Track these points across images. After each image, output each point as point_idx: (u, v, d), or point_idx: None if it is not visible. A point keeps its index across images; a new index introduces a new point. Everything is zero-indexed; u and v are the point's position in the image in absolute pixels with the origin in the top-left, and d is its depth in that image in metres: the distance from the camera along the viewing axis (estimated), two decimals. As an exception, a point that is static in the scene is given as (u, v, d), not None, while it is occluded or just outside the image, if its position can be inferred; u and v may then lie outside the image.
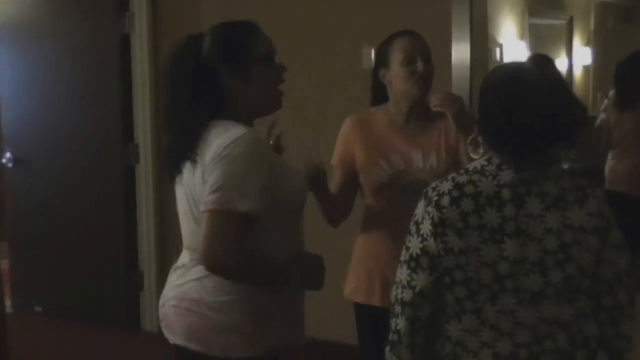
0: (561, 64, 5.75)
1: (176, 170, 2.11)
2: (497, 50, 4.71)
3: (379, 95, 2.65)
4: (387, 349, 1.88)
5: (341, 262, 2.85)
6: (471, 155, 2.12)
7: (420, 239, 1.80)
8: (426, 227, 1.79)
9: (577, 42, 6.52)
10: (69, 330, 4.73)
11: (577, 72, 6.64)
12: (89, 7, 4.64)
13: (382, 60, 2.58)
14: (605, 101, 4.20)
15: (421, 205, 1.83)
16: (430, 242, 1.78)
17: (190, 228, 2.12)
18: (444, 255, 1.76)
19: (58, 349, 4.52)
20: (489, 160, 1.81)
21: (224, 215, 1.94)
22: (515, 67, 1.87)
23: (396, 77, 2.54)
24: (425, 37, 2.62)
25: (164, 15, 4.59)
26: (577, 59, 6.52)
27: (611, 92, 4.16)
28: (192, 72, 2.06)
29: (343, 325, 3.69)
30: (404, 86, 2.53)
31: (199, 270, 2.05)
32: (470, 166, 1.84)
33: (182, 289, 2.11)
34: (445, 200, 1.77)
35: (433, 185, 1.85)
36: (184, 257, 2.16)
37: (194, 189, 2.05)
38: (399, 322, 1.82)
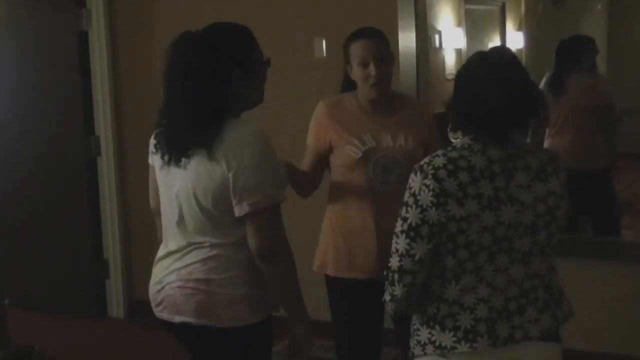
0: (495, 48, 6.01)
1: (181, 155, 2.19)
2: (437, 37, 4.87)
3: (349, 83, 2.84)
4: (388, 307, 2.08)
5: (309, 239, 3.04)
6: (451, 138, 2.25)
7: (419, 209, 1.93)
8: (426, 199, 1.92)
9: (510, 27, 6.81)
10: (37, 320, 4.85)
11: (511, 56, 6.92)
12: (46, 4, 4.76)
13: (346, 57, 2.79)
14: (543, 81, 4.47)
15: (417, 178, 1.96)
16: (431, 212, 1.92)
17: (193, 213, 2.23)
18: (447, 223, 1.93)
19: (28, 339, 4.62)
20: (473, 139, 2.00)
21: (271, 210, 2.17)
22: (481, 57, 2.05)
23: (355, 76, 2.77)
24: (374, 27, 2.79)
25: (120, 12, 4.74)
26: (509, 43, 6.81)
27: (547, 75, 4.43)
28: (194, 71, 2.15)
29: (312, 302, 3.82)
30: (361, 86, 2.77)
31: (200, 253, 2.23)
32: (457, 144, 2.01)
33: (185, 271, 2.25)
34: (442, 173, 1.93)
35: (426, 160, 1.99)
36: (177, 241, 2.29)
37: (205, 179, 2.17)
38: (395, 289, 2.01)
